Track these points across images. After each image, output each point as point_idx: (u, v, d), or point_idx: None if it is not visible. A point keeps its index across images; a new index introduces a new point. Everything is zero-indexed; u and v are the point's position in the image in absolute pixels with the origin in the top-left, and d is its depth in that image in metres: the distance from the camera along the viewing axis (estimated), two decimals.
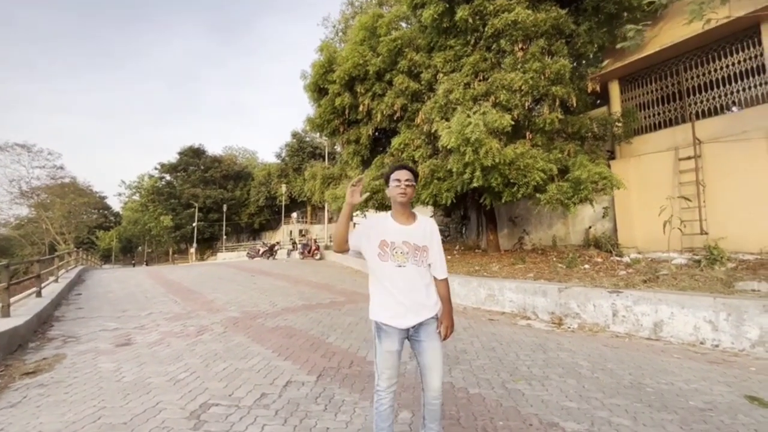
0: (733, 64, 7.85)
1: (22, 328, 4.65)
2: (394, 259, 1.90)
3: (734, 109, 8.26)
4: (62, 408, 2.82)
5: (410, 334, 1.93)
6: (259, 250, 24.92)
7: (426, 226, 2.00)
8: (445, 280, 2.04)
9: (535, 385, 3.07)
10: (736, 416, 2.51)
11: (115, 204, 57.27)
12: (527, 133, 7.74)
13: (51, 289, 8.11)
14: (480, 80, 7.84)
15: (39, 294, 6.96)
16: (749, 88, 7.69)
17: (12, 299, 5.62)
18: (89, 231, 47.65)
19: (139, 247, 51.77)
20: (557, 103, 7.51)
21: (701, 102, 8.37)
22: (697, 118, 8.21)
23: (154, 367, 3.67)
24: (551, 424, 2.44)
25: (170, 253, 46.51)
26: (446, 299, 2.00)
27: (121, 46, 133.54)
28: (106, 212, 55.11)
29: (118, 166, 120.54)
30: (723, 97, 8.12)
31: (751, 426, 2.38)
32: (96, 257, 37.12)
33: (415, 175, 2.01)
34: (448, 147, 7.00)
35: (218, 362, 3.78)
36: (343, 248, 1.96)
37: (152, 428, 2.47)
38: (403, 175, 1.95)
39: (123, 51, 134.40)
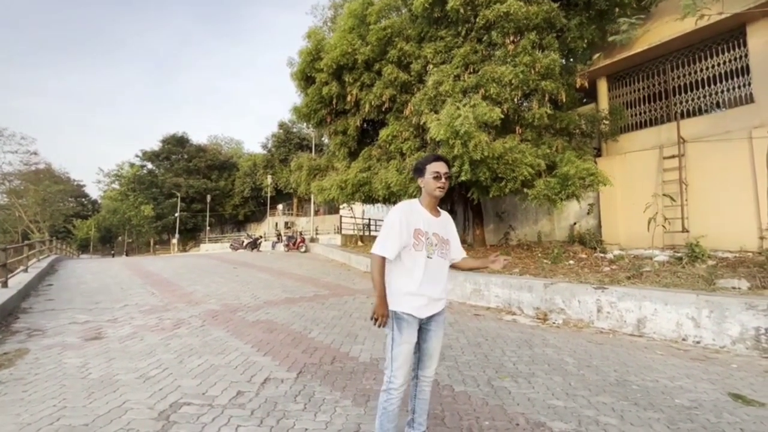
0: (719, 65, 7.95)
1: None
2: (427, 250, 1.90)
3: (721, 109, 8.38)
4: (18, 408, 2.61)
5: (422, 323, 1.94)
6: (243, 242, 24.46)
7: (448, 219, 2.07)
8: (466, 259, 2.16)
9: (521, 383, 3.01)
10: (721, 414, 2.49)
11: (94, 192, 55.47)
12: (516, 128, 7.68)
13: (19, 279, 7.70)
14: (470, 72, 7.72)
15: (5, 284, 6.58)
16: (733, 88, 7.81)
17: None
18: (65, 219, 46.04)
19: (119, 237, 50.31)
20: (546, 98, 7.47)
21: (686, 101, 8.47)
22: (682, 117, 8.31)
23: (124, 363, 3.46)
24: (538, 423, 2.37)
25: (151, 243, 45.38)
26: (476, 262, 2.21)
27: (100, 29, 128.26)
28: (83, 200, 53.33)
29: (96, 154, 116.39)
30: (707, 97, 8.23)
31: (736, 425, 2.36)
32: (73, 247, 35.84)
33: (450, 165, 2.03)
34: (437, 139, 6.89)
35: (193, 358, 3.60)
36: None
37: (116, 430, 2.30)
38: (443, 168, 1.92)
39: (102, 34, 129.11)
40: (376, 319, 1.88)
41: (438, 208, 2.04)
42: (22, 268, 8.81)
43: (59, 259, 14.97)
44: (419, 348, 1.96)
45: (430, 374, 2.00)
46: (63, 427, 2.35)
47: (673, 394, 2.81)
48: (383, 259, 1.88)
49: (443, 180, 1.90)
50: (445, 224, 2.03)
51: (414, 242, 1.88)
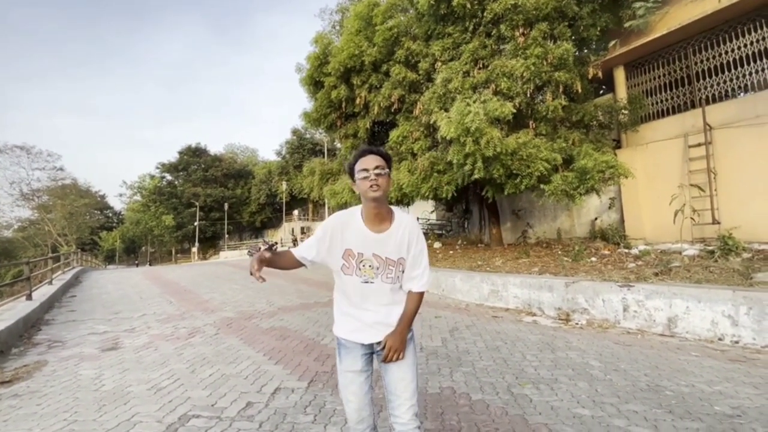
0: (745, 46, 7.52)
1: (4, 334, 4.45)
2: (361, 274, 1.52)
3: (742, 94, 7.92)
4: (30, 422, 2.61)
5: (375, 350, 1.57)
6: (259, 248, 24.72)
7: (404, 231, 1.53)
8: (420, 295, 1.58)
9: (543, 390, 2.83)
10: None
11: (117, 204, 57.43)
12: (530, 122, 7.44)
13: (43, 291, 7.94)
14: (480, 68, 7.54)
15: (29, 297, 6.78)
16: (761, 70, 7.36)
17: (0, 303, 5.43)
18: (92, 232, 47.71)
19: (143, 248, 51.85)
20: (561, 90, 7.21)
21: (711, 86, 8.05)
22: (707, 103, 7.88)
23: (137, 374, 3.45)
24: None
25: (173, 252, 46.54)
26: (409, 314, 1.56)
27: (117, 45, 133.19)
28: (108, 213, 55.22)
29: (118, 167, 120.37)
30: (734, 81, 7.79)
31: None
32: (100, 258, 37.19)
33: (387, 159, 1.53)
34: (448, 138, 6.73)
35: (205, 368, 3.56)
36: (294, 268, 1.61)
37: None
38: (371, 161, 1.48)
39: (119, 50, 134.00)
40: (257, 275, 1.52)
41: (396, 213, 1.56)
42: (47, 280, 9.09)
43: (84, 270, 15.45)
44: (384, 383, 1.59)
45: (405, 419, 1.48)
46: None
47: (712, 401, 2.58)
48: (296, 259, 1.59)
49: (373, 177, 1.45)
50: (399, 239, 1.52)
51: (343, 264, 1.53)
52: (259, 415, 2.56)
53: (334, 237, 1.52)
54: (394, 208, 1.59)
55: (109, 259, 49.96)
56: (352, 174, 1.56)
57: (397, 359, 1.51)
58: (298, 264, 1.60)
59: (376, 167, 1.47)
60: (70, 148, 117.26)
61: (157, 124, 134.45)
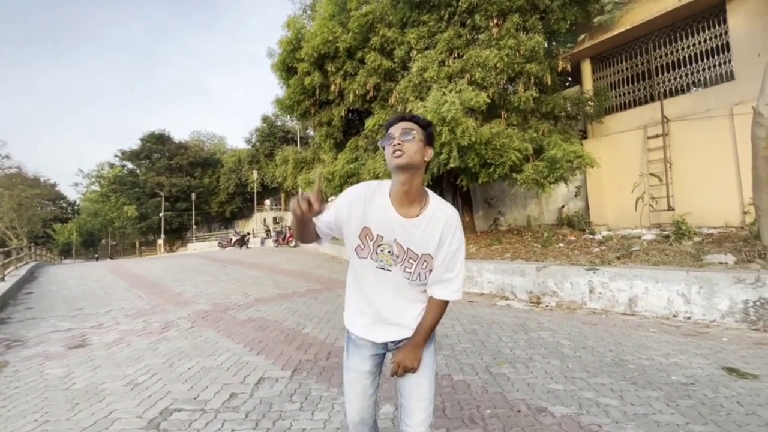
0: (700, 43, 7.99)
1: None
2: (378, 258, 1.30)
3: (696, 89, 8.46)
4: None
5: (390, 349, 1.42)
6: (231, 239, 24.11)
7: (437, 223, 1.26)
8: (446, 303, 1.34)
9: (519, 368, 2.99)
10: (717, 389, 2.51)
11: (72, 194, 53.81)
12: (502, 113, 7.62)
13: None
14: (455, 57, 7.60)
15: None
16: (714, 66, 7.86)
17: None
18: (44, 224, 44.56)
19: (102, 240, 49.07)
20: (532, 82, 7.41)
21: (669, 81, 8.51)
22: (665, 96, 8.35)
23: (110, 371, 3.33)
24: (539, 409, 2.35)
25: (137, 245, 44.38)
26: (428, 327, 1.32)
27: (67, 21, 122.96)
28: (62, 203, 51.66)
29: (72, 154, 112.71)
30: (690, 76, 8.29)
31: (733, 398, 2.38)
32: (55, 252, 34.78)
33: (423, 124, 1.27)
34: None
35: (183, 361, 3.48)
36: (310, 240, 1.36)
37: None
38: (399, 128, 1.23)
39: (70, 28, 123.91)
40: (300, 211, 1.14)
41: (432, 198, 1.29)
42: None
43: (39, 265, 14.47)
44: (396, 384, 1.42)
45: (420, 430, 1.30)
46: None
47: (670, 371, 2.83)
48: (316, 233, 1.33)
49: (397, 142, 1.20)
50: (429, 230, 1.26)
51: (358, 244, 1.30)
52: (245, 406, 2.56)
53: (353, 209, 1.28)
54: (431, 193, 1.32)
55: (65, 253, 46.95)
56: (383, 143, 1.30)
57: (399, 373, 1.33)
58: (315, 235, 1.33)
59: (404, 131, 1.22)
60: (17, 136, 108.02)
61: (116, 110, 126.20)
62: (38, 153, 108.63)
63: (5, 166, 36.10)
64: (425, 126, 1.27)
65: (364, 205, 1.27)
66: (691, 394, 2.46)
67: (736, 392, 2.46)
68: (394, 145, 1.20)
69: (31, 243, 22.12)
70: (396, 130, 1.23)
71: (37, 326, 5.21)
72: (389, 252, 1.28)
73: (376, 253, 1.29)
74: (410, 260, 1.28)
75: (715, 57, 7.82)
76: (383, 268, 1.30)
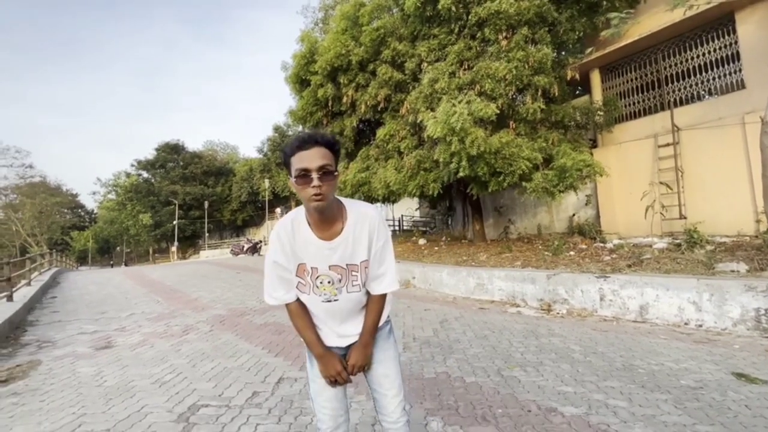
0: (709, 52, 8.03)
1: None
2: (320, 292, 1.31)
3: (707, 97, 8.47)
4: (38, 417, 2.65)
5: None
6: (243, 247, 24.50)
7: (362, 227, 1.27)
8: (384, 297, 1.37)
9: (530, 372, 3.08)
10: (726, 393, 2.57)
11: (90, 203, 55.28)
12: (511, 123, 7.75)
13: (23, 292, 7.72)
14: (465, 69, 7.79)
15: (10, 298, 6.61)
16: (724, 75, 7.89)
17: None
18: (63, 231, 45.85)
19: (117, 248, 50.14)
20: (540, 93, 7.55)
21: (679, 90, 8.55)
22: (675, 105, 8.39)
23: (138, 370, 3.51)
24: (550, 409, 2.44)
25: (150, 252, 45.26)
26: (372, 324, 1.36)
27: (89, 38, 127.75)
28: (80, 212, 53.10)
29: (91, 164, 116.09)
30: (700, 85, 8.32)
31: (741, 402, 2.43)
32: (71, 259, 35.70)
33: (335, 149, 1.20)
34: (434, 137, 6.95)
35: (206, 362, 3.65)
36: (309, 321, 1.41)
37: None
38: (314, 157, 1.13)
39: (91, 43, 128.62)
40: (335, 380, 1.33)
41: (348, 207, 1.28)
42: (24, 281, 8.81)
43: (60, 271, 14.95)
44: (366, 380, 1.47)
45: (395, 416, 1.37)
46: None
47: (679, 376, 2.88)
48: (288, 304, 1.36)
49: (316, 182, 1.12)
50: (355, 239, 1.26)
51: (299, 282, 1.31)
52: (267, 403, 2.70)
53: (286, 252, 1.27)
54: (345, 200, 1.30)
55: (81, 260, 48.06)
56: (287, 165, 1.20)
57: (353, 373, 1.38)
58: (298, 309, 1.38)
59: (321, 168, 1.13)
60: (41, 145, 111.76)
61: (132, 121, 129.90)
62: (60, 164, 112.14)
63: (28, 176, 37.39)
64: (336, 149, 1.22)
65: (290, 245, 1.27)
66: (699, 397, 2.52)
67: (745, 396, 2.51)
68: (314, 187, 1.13)
69: (50, 249, 22.82)
70: (312, 162, 1.13)
71: (63, 328, 5.46)
72: (329, 282, 1.29)
73: (317, 287, 1.30)
74: (353, 273, 1.29)
75: (726, 66, 7.85)
76: (329, 301, 1.32)
